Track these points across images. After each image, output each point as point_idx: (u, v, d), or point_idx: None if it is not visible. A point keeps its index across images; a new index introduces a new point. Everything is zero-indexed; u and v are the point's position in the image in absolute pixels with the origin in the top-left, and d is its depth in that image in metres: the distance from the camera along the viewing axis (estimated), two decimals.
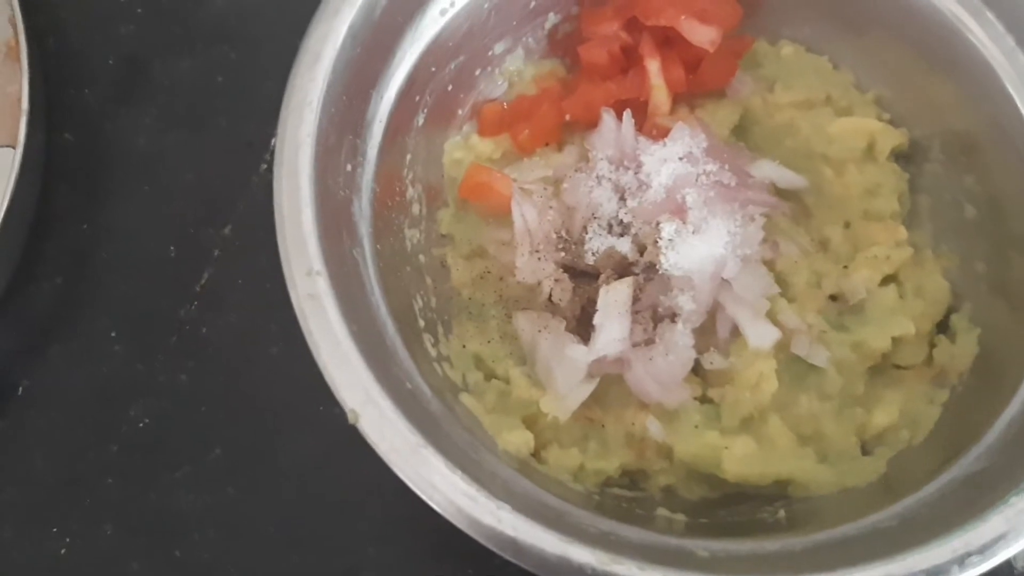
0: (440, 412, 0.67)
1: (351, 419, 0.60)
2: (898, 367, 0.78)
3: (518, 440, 0.72)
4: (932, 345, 0.78)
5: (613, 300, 0.74)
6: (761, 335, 0.74)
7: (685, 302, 0.74)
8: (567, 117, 0.85)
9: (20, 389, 0.87)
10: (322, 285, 0.63)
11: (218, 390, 0.86)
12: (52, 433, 0.86)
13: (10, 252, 0.87)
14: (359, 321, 0.65)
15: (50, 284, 0.90)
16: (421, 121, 0.80)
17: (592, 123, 0.84)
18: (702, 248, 0.74)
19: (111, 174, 0.94)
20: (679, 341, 0.74)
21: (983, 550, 0.58)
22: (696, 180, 0.77)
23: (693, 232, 0.75)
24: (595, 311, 0.76)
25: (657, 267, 0.74)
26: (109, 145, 0.95)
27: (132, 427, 0.86)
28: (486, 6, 0.80)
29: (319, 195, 0.66)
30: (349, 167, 0.71)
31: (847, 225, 0.82)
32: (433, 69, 0.79)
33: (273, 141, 0.91)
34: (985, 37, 0.77)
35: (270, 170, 0.90)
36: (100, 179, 0.94)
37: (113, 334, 0.89)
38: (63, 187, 0.93)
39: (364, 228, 0.72)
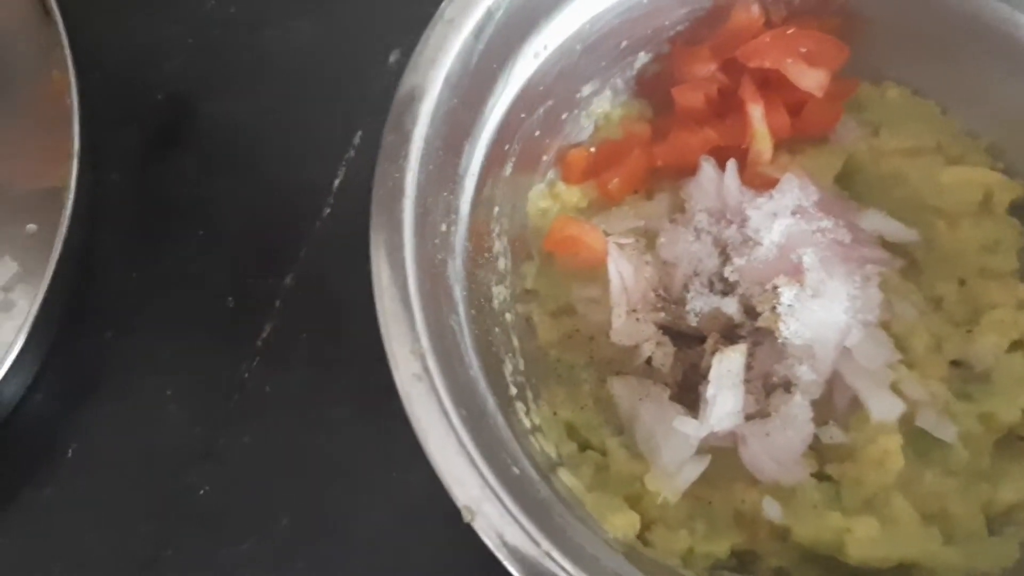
0: (549, 499, 0.62)
1: (467, 517, 0.55)
2: (1022, 439, 0.73)
3: (624, 523, 0.67)
4: None
5: (727, 370, 0.68)
6: (885, 408, 0.69)
7: (804, 372, 0.69)
8: (658, 163, 0.79)
9: (69, 452, 0.81)
10: (430, 364, 0.57)
11: (283, 455, 0.81)
12: (103, 502, 0.80)
13: (58, 303, 0.80)
14: (465, 401, 0.59)
15: (99, 338, 0.84)
16: (509, 170, 0.75)
17: (685, 170, 0.79)
18: (823, 314, 0.69)
19: (161, 219, 0.89)
20: (798, 415, 0.68)
21: None
22: (811, 238, 0.72)
23: (812, 296, 0.69)
24: (698, 378, 0.70)
25: (776, 336, 0.69)
26: (158, 188, 0.90)
27: (191, 495, 0.80)
28: (578, 47, 0.75)
29: (419, 262, 0.61)
30: (444, 227, 0.66)
31: (962, 283, 0.76)
32: (523, 115, 0.74)
33: (335, 184, 0.87)
34: None
35: (333, 216, 0.87)
36: (150, 224, 0.89)
37: (168, 392, 0.83)
38: (110, 233, 0.87)
39: (459, 293, 0.66)
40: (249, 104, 0.93)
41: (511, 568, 0.54)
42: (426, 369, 0.57)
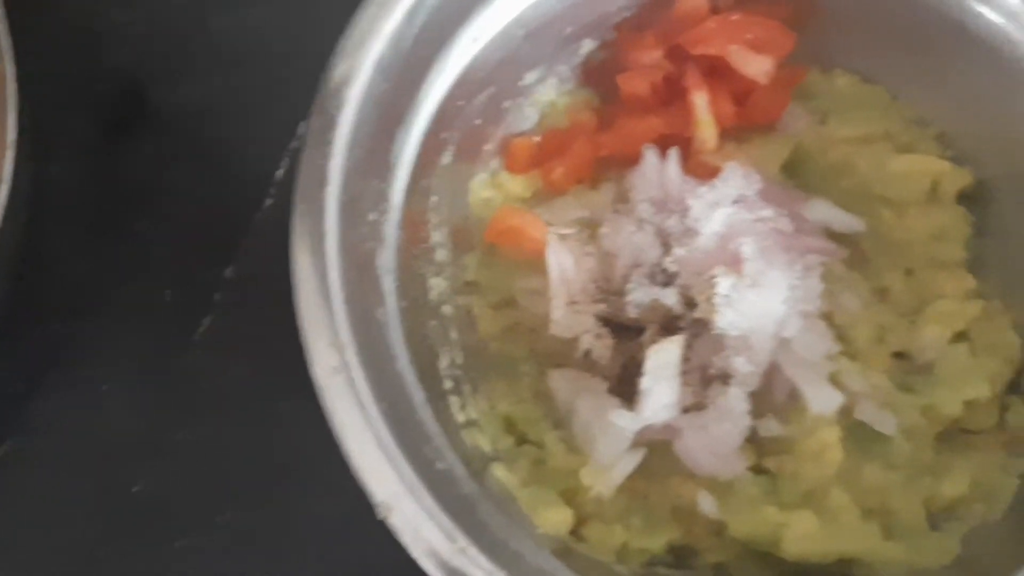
0: (475, 494, 0.60)
1: (380, 514, 0.54)
2: (968, 432, 0.72)
3: (557, 519, 0.66)
4: (1004, 408, 0.71)
5: (663, 362, 0.67)
6: (824, 400, 0.68)
7: (741, 364, 0.67)
8: (604, 152, 0.78)
9: (3, 448, 0.79)
10: (349, 357, 0.56)
11: (224, 449, 0.79)
12: (38, 498, 0.78)
13: None
14: (387, 395, 0.58)
15: (35, 333, 0.82)
16: (447, 159, 0.73)
17: (630, 159, 0.77)
18: (760, 304, 0.68)
19: (107, 210, 0.87)
20: (735, 407, 0.67)
21: None
22: (752, 227, 0.70)
23: (750, 286, 0.68)
24: (638, 370, 0.69)
25: (711, 326, 0.67)
26: (104, 179, 0.88)
27: (130, 491, 0.78)
28: (520, 33, 0.73)
29: (344, 252, 0.59)
30: (373, 216, 0.64)
31: (909, 273, 0.75)
32: (461, 103, 0.72)
33: (278, 174, 0.86)
34: None
35: (276, 206, 0.85)
36: (92, 217, 0.87)
37: (105, 387, 0.81)
38: (52, 226, 0.85)
39: (389, 284, 0.65)
40: (198, 92, 0.91)
41: (425, 565, 0.53)
42: (345, 362, 0.56)
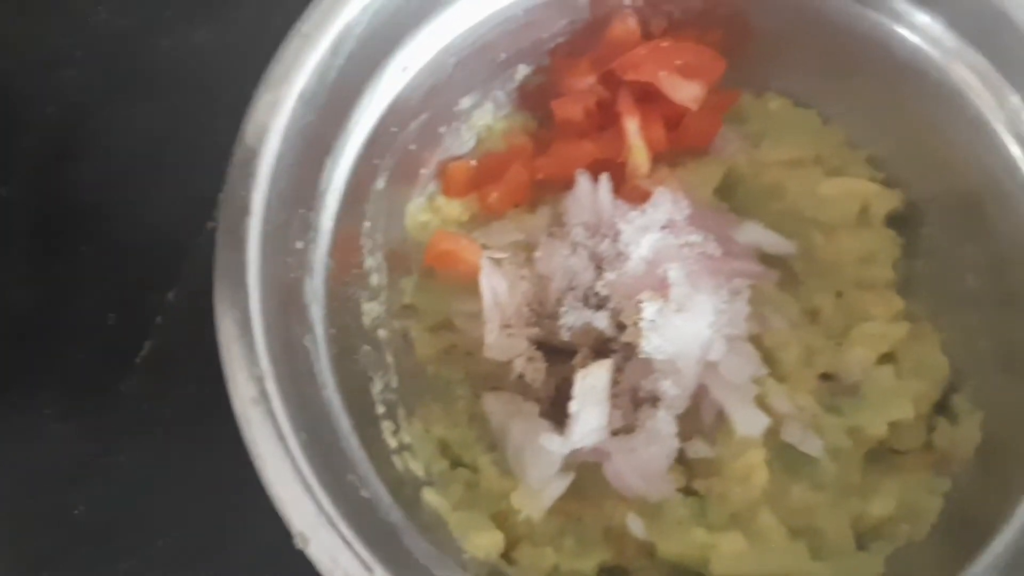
0: (400, 522, 0.61)
1: (299, 544, 0.54)
2: (895, 452, 0.73)
3: (487, 542, 0.66)
4: (931, 428, 0.73)
5: (591, 386, 0.68)
6: (750, 422, 0.69)
7: (668, 387, 0.68)
8: (540, 176, 0.79)
9: None
10: (269, 388, 0.57)
11: (163, 472, 0.80)
12: None
13: None
14: (310, 425, 0.59)
15: None
16: (381, 185, 0.74)
17: (566, 183, 0.78)
18: (686, 329, 0.68)
19: (49, 233, 0.88)
20: (662, 429, 0.68)
21: None
22: (679, 252, 0.71)
23: (676, 311, 0.69)
24: (571, 394, 0.69)
25: (638, 350, 0.68)
26: (48, 202, 0.88)
27: (68, 515, 0.79)
28: (451, 60, 0.74)
29: (265, 282, 0.60)
30: (300, 244, 0.65)
31: (839, 294, 0.76)
32: (394, 130, 0.72)
33: (220, 197, 0.86)
34: (988, 95, 0.72)
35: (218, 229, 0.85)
36: (37, 239, 0.87)
37: (48, 411, 0.81)
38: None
39: (317, 312, 0.65)
40: (140, 116, 0.92)
41: None
42: (264, 393, 0.57)
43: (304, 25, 0.65)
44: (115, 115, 0.92)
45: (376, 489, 0.61)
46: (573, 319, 0.73)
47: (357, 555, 0.54)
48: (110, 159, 0.90)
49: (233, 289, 0.58)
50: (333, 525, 0.55)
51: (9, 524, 0.79)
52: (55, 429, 0.81)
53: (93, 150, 0.90)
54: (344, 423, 0.63)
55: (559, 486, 0.68)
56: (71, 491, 0.79)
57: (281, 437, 0.56)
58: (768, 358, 0.72)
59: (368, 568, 0.54)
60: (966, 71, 0.72)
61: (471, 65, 0.76)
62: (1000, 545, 0.62)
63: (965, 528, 0.66)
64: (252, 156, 0.61)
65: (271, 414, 0.56)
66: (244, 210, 0.60)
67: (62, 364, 0.83)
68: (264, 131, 0.62)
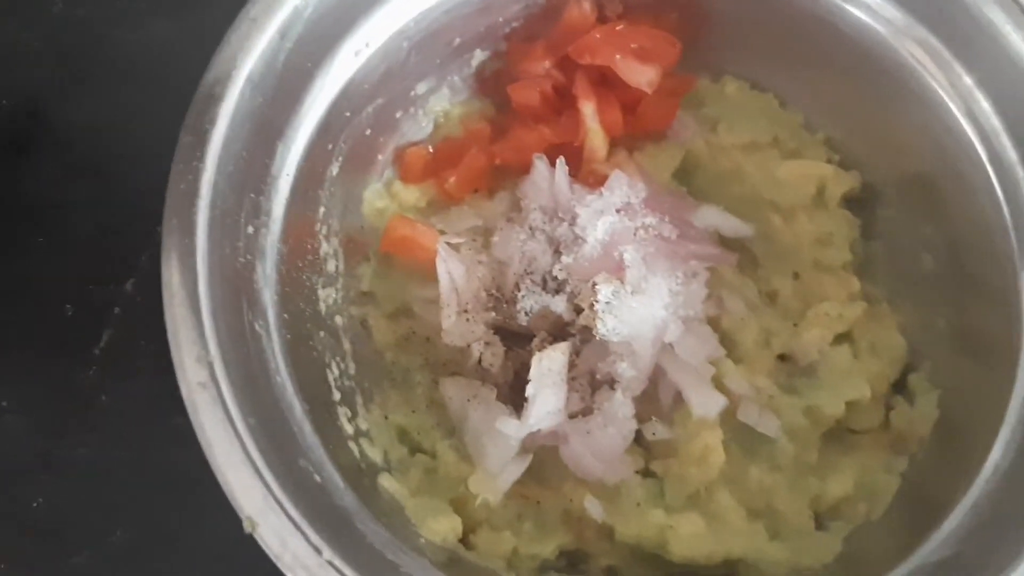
0: (353, 506, 0.60)
1: (247, 528, 0.54)
2: (853, 431, 0.73)
3: (444, 527, 0.66)
4: (889, 408, 0.73)
5: (547, 368, 0.68)
6: (706, 403, 0.69)
7: (624, 369, 0.68)
8: (497, 161, 0.79)
9: None
10: (216, 372, 0.56)
11: (121, 465, 0.79)
12: None
13: None
14: (260, 409, 0.58)
15: None
16: (336, 170, 0.73)
17: (524, 168, 0.78)
18: (641, 311, 0.68)
19: (5, 227, 0.86)
20: (619, 412, 0.68)
21: None
22: (634, 235, 0.71)
23: (632, 293, 0.69)
24: (529, 378, 0.69)
25: (594, 332, 0.68)
26: (3, 195, 0.87)
27: (25, 508, 0.78)
28: (405, 44, 0.73)
29: (214, 266, 0.59)
30: (251, 229, 0.64)
31: (796, 276, 0.76)
32: (348, 114, 0.72)
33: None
34: (941, 76, 0.72)
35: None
36: None
37: (4, 403, 0.81)
38: None
39: (268, 296, 0.65)
40: (99, 108, 0.91)
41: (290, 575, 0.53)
42: (213, 377, 0.56)
43: (252, 9, 0.64)
44: (71, 108, 0.91)
45: (329, 474, 0.61)
46: (531, 303, 0.73)
47: (307, 538, 0.54)
48: (66, 152, 0.89)
49: (181, 272, 0.58)
50: (282, 509, 0.54)
51: None
52: (14, 422, 0.80)
53: (49, 143, 0.89)
54: (297, 409, 0.62)
55: (516, 470, 0.68)
56: (31, 484, 0.78)
57: (230, 421, 0.55)
58: (726, 340, 0.72)
59: (317, 551, 0.53)
60: (920, 51, 0.73)
61: (426, 50, 0.75)
62: (954, 521, 0.62)
63: (921, 505, 0.67)
64: (200, 140, 0.61)
65: (219, 398, 0.55)
66: (191, 193, 0.59)
67: (19, 357, 0.82)
68: (211, 114, 0.61)
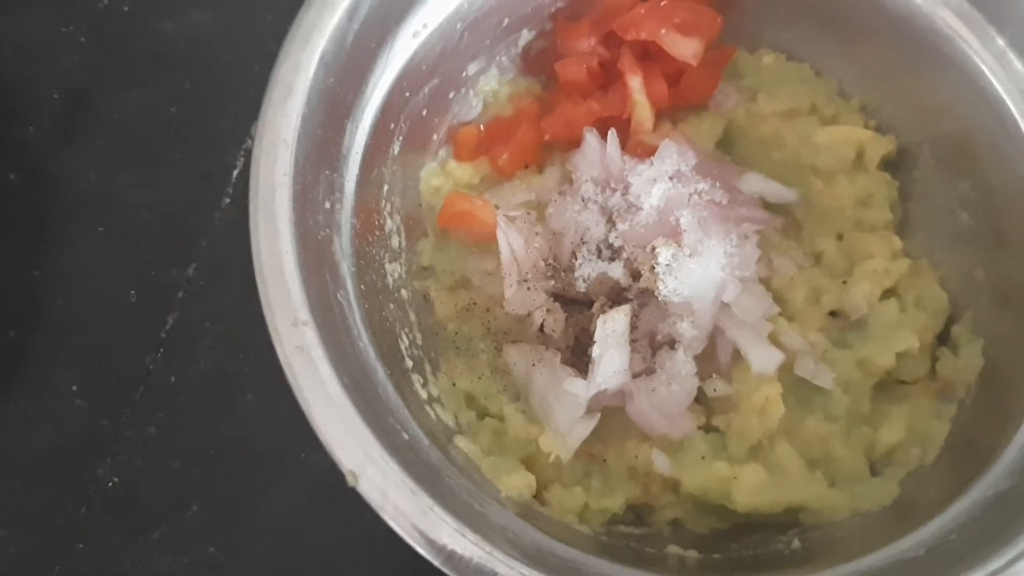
0: (440, 462, 0.63)
1: (351, 481, 0.56)
2: (902, 382, 0.76)
3: (520, 483, 0.68)
4: (935, 358, 0.76)
5: (611, 330, 0.70)
6: (764, 359, 0.71)
7: (685, 329, 0.71)
8: (547, 137, 0.81)
9: None
10: (310, 336, 0.59)
11: (191, 442, 0.81)
12: (13, 499, 0.80)
13: None
14: (350, 371, 0.61)
15: (1, 338, 0.84)
16: (397, 149, 0.76)
17: (573, 143, 0.81)
18: (700, 272, 0.71)
19: (61, 216, 0.89)
20: (681, 369, 0.71)
21: None
22: (689, 200, 0.74)
23: (690, 255, 0.72)
24: (590, 341, 0.72)
25: (656, 294, 0.71)
26: (57, 185, 0.90)
27: (101, 487, 0.80)
28: (459, 25, 0.76)
29: (300, 237, 0.62)
30: (328, 204, 0.67)
31: (840, 237, 0.79)
32: (407, 94, 0.75)
33: (235, 173, 0.88)
34: (973, 38, 0.75)
35: (234, 204, 0.87)
36: (49, 222, 0.89)
37: (74, 387, 0.83)
38: (9, 232, 0.87)
39: (346, 268, 0.67)
40: (147, 97, 0.93)
41: (395, 525, 0.56)
42: (307, 341, 0.58)
43: None
44: (119, 98, 0.93)
45: (415, 433, 0.64)
46: (588, 270, 0.75)
47: (407, 488, 0.56)
48: (116, 142, 0.91)
49: (270, 244, 0.60)
50: (382, 462, 0.57)
51: (46, 499, 0.80)
52: (84, 406, 0.82)
53: (98, 133, 0.92)
54: (380, 373, 0.65)
55: (586, 427, 0.70)
56: (104, 465, 0.80)
57: (325, 382, 0.58)
58: (777, 299, 0.75)
59: (418, 499, 0.56)
60: (950, 15, 0.76)
61: (478, 30, 0.78)
62: (1007, 458, 0.65)
63: (972, 448, 0.70)
64: (281, 119, 0.63)
65: (314, 361, 0.58)
66: (275, 170, 0.62)
67: (86, 343, 0.84)
68: (289, 92, 0.64)
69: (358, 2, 0.67)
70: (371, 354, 0.65)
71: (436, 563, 0.55)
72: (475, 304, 0.78)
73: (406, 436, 0.62)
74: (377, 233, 0.74)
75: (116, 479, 0.81)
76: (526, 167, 0.82)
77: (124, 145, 0.91)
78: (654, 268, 0.71)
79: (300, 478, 0.80)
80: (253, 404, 0.82)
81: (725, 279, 0.72)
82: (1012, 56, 0.74)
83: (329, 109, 0.67)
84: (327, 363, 0.59)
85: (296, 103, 0.64)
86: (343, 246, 0.68)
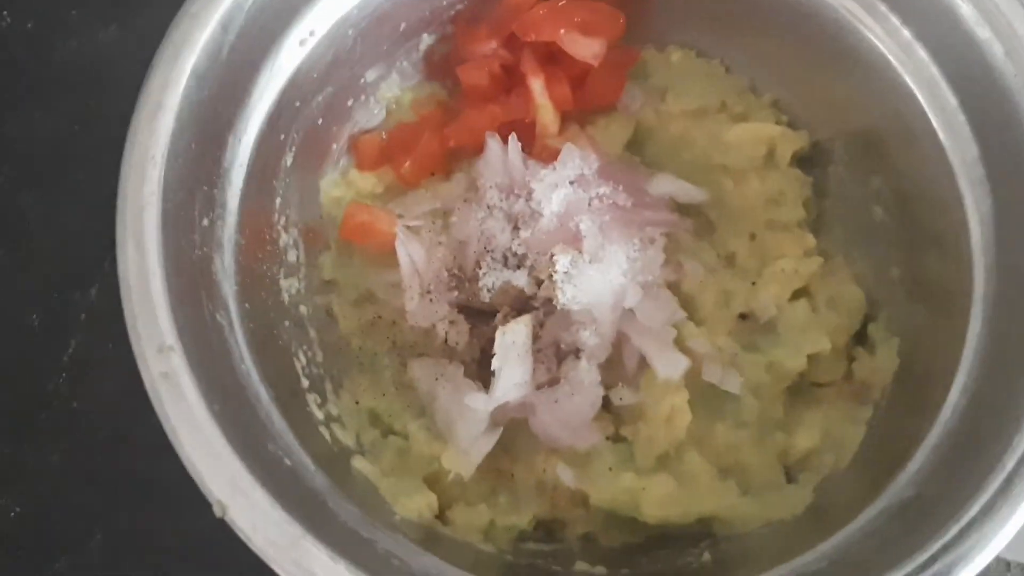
0: (325, 488, 0.61)
1: (218, 512, 0.54)
2: (817, 384, 0.74)
3: (419, 504, 0.66)
4: (851, 359, 0.74)
5: (511, 341, 0.68)
6: (670, 365, 0.70)
7: (588, 337, 0.69)
8: (451, 144, 0.79)
9: None
10: (177, 362, 0.57)
11: (94, 470, 0.79)
12: None
13: None
14: (224, 397, 0.58)
15: None
16: (290, 161, 0.74)
17: (478, 149, 0.78)
18: (599, 278, 0.69)
19: None
20: (584, 379, 0.69)
21: None
22: (589, 205, 0.72)
23: (590, 261, 0.70)
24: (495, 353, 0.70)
25: (555, 302, 0.69)
26: None
27: (2, 518, 0.78)
28: (350, 32, 0.74)
29: (169, 258, 0.59)
30: (206, 221, 0.65)
31: (752, 237, 0.77)
32: (298, 104, 0.72)
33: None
34: (880, 31, 0.73)
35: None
36: None
37: None
38: None
39: (228, 287, 0.65)
40: (53, 117, 0.91)
41: (263, 556, 0.54)
42: (174, 367, 0.56)
43: (192, 5, 0.64)
44: (23, 117, 0.91)
45: (300, 458, 0.62)
46: (492, 280, 0.73)
47: (277, 521, 0.54)
48: (20, 161, 0.89)
49: (137, 266, 0.58)
50: (251, 492, 0.54)
51: None
52: None
53: (2, 153, 0.89)
54: (264, 396, 0.63)
55: (487, 443, 0.69)
56: (3, 495, 0.78)
57: (194, 409, 0.55)
58: (686, 303, 0.73)
59: (289, 530, 0.54)
60: (858, 8, 0.74)
61: (372, 36, 0.76)
62: (917, 462, 0.63)
63: (886, 451, 0.68)
64: (149, 136, 0.61)
65: (180, 387, 0.56)
66: (143, 189, 0.59)
67: None
68: (157, 109, 0.61)
69: (232, 14, 0.65)
70: (253, 376, 0.63)
71: None
72: (380, 318, 0.76)
73: (288, 462, 0.60)
74: (269, 248, 0.72)
75: (17, 508, 0.78)
76: (432, 175, 0.80)
77: (26, 167, 0.89)
78: (552, 276, 0.69)
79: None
80: (158, 430, 0.79)
81: (626, 285, 0.70)
82: (918, 47, 0.72)
83: (205, 124, 0.64)
84: (195, 390, 0.57)
85: (165, 120, 0.61)
86: (224, 264, 0.65)
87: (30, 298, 0.84)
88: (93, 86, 0.92)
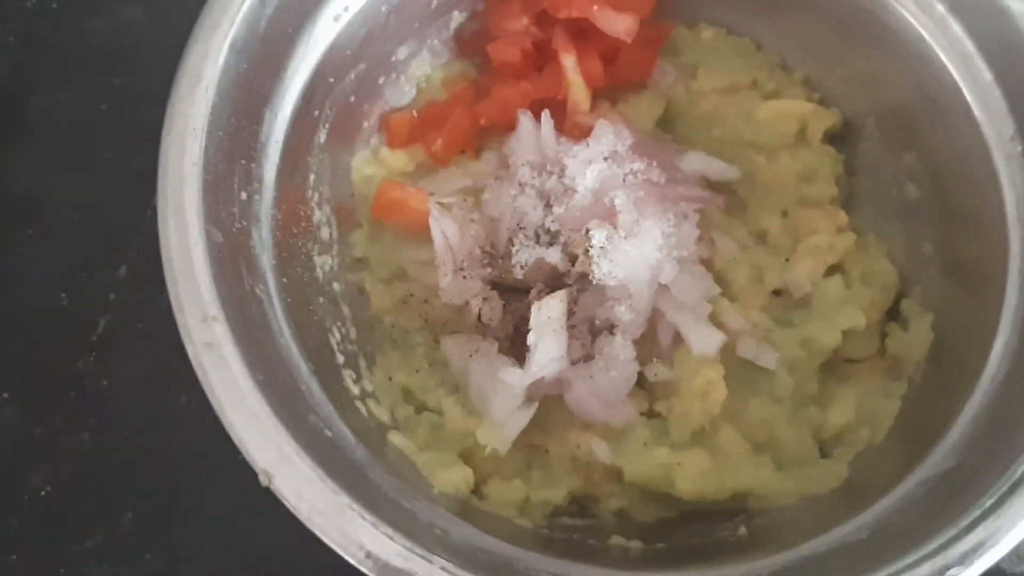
0: (366, 459, 0.61)
1: (263, 480, 0.54)
2: (850, 361, 0.74)
3: (455, 478, 0.66)
4: (884, 335, 0.74)
5: (547, 317, 0.68)
6: (705, 340, 0.69)
7: (623, 312, 0.69)
8: (482, 122, 0.79)
9: None
10: (221, 332, 0.57)
11: (125, 447, 0.79)
12: None
13: None
14: (267, 368, 0.58)
15: None
16: (323, 137, 0.74)
17: (509, 126, 0.78)
18: (635, 253, 0.69)
19: None
20: (620, 355, 0.69)
21: (963, 560, 0.54)
22: (623, 181, 0.72)
23: (625, 237, 0.70)
24: (528, 329, 0.70)
25: (590, 277, 0.69)
26: None
27: (33, 496, 0.78)
28: (384, 8, 0.74)
29: (211, 230, 0.59)
30: (244, 195, 0.64)
31: (784, 214, 0.77)
32: (331, 80, 0.72)
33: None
34: (913, 6, 0.73)
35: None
36: None
37: (5, 394, 0.81)
38: None
39: (266, 261, 0.65)
40: (77, 95, 0.91)
41: (309, 524, 0.54)
42: (218, 337, 0.56)
43: None
44: (48, 98, 0.91)
45: (340, 430, 0.61)
46: (525, 256, 0.73)
47: (324, 486, 0.54)
48: (45, 143, 0.89)
49: (179, 239, 0.58)
50: (297, 460, 0.54)
51: None
52: (15, 413, 0.80)
53: (27, 134, 0.89)
54: (304, 369, 0.63)
55: (522, 418, 0.68)
56: (37, 473, 0.78)
57: (238, 379, 0.55)
58: (720, 279, 0.73)
59: (335, 497, 0.54)
60: None
61: (405, 13, 0.76)
62: (955, 435, 0.63)
63: (922, 425, 0.68)
64: (188, 107, 0.60)
65: (227, 357, 0.56)
66: (183, 161, 0.59)
67: (17, 348, 0.82)
68: (198, 80, 0.61)
69: None
70: (293, 350, 0.63)
71: (353, 562, 0.53)
72: (412, 296, 0.76)
73: (329, 433, 0.60)
74: (303, 224, 0.72)
75: (49, 487, 0.78)
76: (462, 152, 0.80)
77: (53, 146, 0.89)
78: (588, 251, 0.69)
79: (237, 481, 0.77)
80: (188, 406, 0.80)
81: (661, 260, 0.70)
82: (952, 21, 0.71)
83: (243, 97, 0.65)
84: (239, 360, 0.56)
85: (204, 92, 0.62)
86: (262, 238, 0.65)
87: (59, 277, 0.84)
88: (118, 65, 0.92)
